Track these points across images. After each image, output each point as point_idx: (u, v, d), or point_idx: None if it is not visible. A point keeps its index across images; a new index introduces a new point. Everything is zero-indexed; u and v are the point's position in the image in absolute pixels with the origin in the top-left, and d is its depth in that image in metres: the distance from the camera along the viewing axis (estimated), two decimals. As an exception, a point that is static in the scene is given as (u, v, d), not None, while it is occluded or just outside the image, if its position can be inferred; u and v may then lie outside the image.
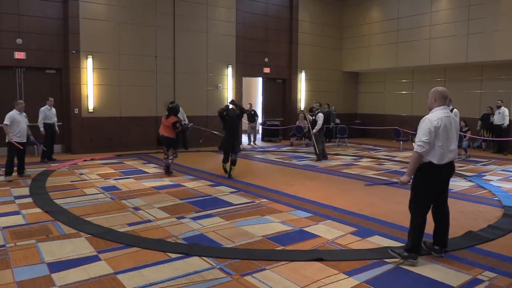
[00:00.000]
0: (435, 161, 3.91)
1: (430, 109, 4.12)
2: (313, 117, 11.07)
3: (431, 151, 3.90)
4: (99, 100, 12.21)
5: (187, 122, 12.17)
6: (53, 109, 10.63)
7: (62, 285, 3.50)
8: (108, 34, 12.22)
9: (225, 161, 8.68)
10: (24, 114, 8.31)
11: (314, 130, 10.86)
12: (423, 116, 4.03)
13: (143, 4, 12.81)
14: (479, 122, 13.42)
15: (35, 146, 11.27)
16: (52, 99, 10.66)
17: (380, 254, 4.22)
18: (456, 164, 11.39)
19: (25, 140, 8.28)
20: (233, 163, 8.55)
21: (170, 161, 8.85)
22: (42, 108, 10.40)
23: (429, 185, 4.01)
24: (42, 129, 10.28)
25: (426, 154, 3.91)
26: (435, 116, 3.94)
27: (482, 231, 5.00)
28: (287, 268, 3.89)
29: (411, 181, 4.08)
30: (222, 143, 8.70)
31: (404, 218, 5.57)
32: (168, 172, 8.83)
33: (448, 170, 4.03)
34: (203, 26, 13.94)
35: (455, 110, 9.99)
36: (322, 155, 11.02)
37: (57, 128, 10.77)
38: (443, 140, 3.90)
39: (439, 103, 4.04)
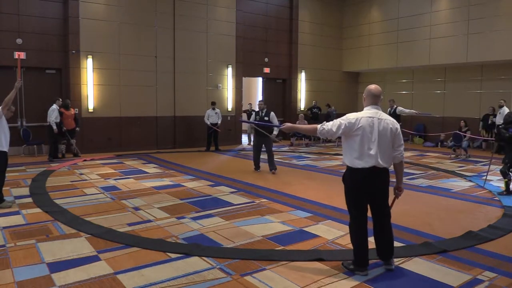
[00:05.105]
0: (347, 163, 3.73)
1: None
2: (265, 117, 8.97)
3: (346, 152, 3.74)
4: (99, 100, 12.21)
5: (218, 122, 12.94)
6: None
7: (62, 285, 3.50)
8: (108, 34, 12.22)
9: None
10: (5, 120, 5.93)
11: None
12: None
13: (143, 4, 12.81)
14: (481, 123, 13.41)
15: (35, 146, 11.29)
16: (60, 99, 10.85)
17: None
18: (456, 164, 11.30)
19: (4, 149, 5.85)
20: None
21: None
22: (53, 107, 10.60)
23: (350, 189, 3.79)
24: (55, 127, 10.43)
25: (344, 156, 3.78)
26: (356, 114, 3.73)
27: (482, 231, 4.99)
28: (287, 268, 3.89)
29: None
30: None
31: (403, 218, 5.58)
32: (78, 155, 11.04)
33: (369, 176, 3.64)
34: (203, 26, 13.94)
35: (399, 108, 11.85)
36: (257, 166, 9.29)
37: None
38: (358, 141, 3.62)
39: (367, 102, 3.78)
